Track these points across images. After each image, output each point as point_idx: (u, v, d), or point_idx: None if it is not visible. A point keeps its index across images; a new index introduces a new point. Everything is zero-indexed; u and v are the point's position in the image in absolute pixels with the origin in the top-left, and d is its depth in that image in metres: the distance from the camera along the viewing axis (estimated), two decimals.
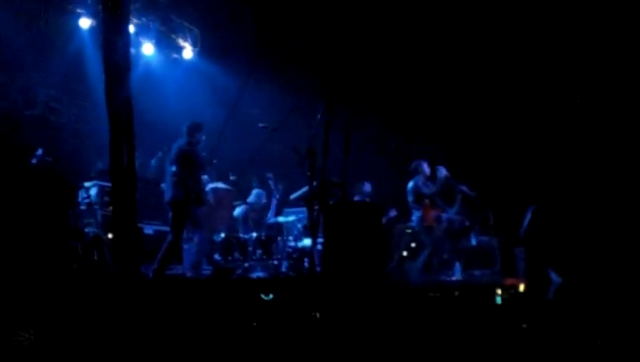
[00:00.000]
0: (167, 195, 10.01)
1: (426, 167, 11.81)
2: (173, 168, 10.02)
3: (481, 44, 13.49)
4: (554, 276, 9.90)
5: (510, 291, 9.08)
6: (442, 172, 11.68)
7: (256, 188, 12.69)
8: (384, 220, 12.24)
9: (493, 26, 13.17)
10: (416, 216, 11.81)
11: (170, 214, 10.09)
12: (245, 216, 12.67)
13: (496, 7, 12.81)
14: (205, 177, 10.59)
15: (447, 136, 13.90)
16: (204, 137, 10.38)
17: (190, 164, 10.02)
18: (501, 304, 8.50)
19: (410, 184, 11.81)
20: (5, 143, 10.87)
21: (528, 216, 12.10)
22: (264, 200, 12.69)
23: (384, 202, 12.56)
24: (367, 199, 12.22)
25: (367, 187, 12.45)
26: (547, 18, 12.72)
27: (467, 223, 12.38)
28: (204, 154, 10.43)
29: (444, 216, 11.83)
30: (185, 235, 11.23)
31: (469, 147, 13.84)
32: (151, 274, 9.53)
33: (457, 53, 13.73)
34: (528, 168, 13.23)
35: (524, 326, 7.06)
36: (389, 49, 13.84)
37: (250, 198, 12.68)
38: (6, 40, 11.20)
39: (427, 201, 11.65)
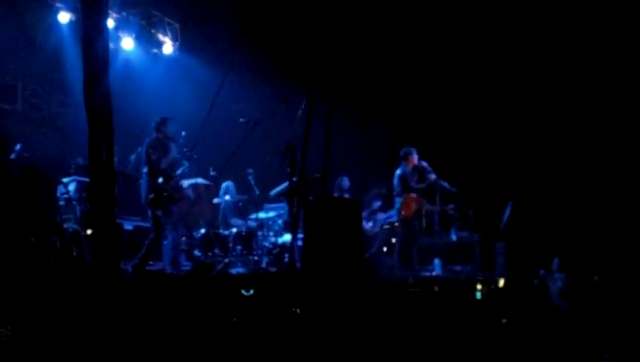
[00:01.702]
0: (142, 196, 10.02)
1: (415, 155, 11.83)
2: (144, 169, 10.04)
3: (460, 38, 13.53)
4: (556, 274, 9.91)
5: (490, 286, 9.12)
6: (432, 176, 11.70)
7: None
8: (367, 212, 12.27)
9: (474, 17, 13.21)
10: (396, 205, 11.85)
11: (149, 212, 10.09)
12: (225, 211, 12.64)
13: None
14: (179, 171, 10.52)
15: (427, 131, 13.93)
16: (184, 133, 10.36)
17: (159, 162, 10.01)
18: (481, 299, 8.54)
19: (398, 171, 11.83)
20: None
21: (508, 211, 12.14)
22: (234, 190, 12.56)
23: (366, 195, 12.59)
24: (346, 195, 12.23)
25: (346, 182, 12.44)
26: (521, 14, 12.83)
27: (451, 213, 12.41)
28: (185, 149, 10.40)
29: (425, 208, 11.87)
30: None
31: (449, 142, 13.88)
32: (130, 269, 9.53)
33: (438, 49, 13.77)
34: (508, 163, 13.30)
35: (504, 321, 7.11)
36: (370, 43, 13.86)
37: (221, 193, 12.60)
38: None
39: (412, 194, 11.69)
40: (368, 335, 6.35)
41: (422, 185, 11.76)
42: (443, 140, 13.78)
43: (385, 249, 12.48)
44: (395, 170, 11.93)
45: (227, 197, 12.38)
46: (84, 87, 5.29)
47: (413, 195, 11.67)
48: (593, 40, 12.51)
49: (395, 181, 11.83)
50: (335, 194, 12.05)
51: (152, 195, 9.84)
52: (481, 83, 13.73)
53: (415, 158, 11.83)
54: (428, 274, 11.50)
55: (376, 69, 14.24)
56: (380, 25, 13.54)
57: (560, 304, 9.58)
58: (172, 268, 10.24)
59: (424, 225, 11.94)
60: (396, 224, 12.01)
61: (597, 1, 12.29)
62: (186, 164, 10.54)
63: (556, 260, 10.12)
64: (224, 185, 12.49)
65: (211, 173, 11.31)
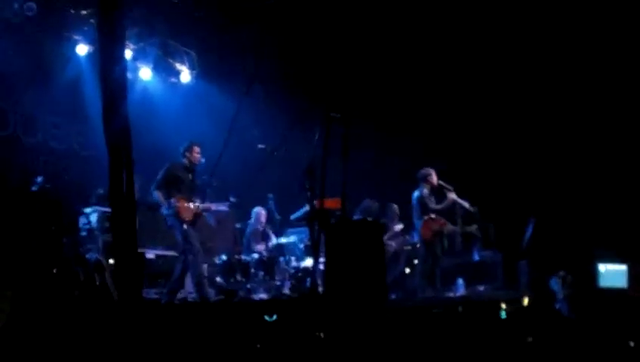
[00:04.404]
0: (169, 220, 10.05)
1: (434, 177, 11.77)
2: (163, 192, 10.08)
3: (479, 58, 13.53)
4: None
5: (514, 305, 9.06)
6: (452, 195, 11.64)
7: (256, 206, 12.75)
8: (388, 235, 12.23)
9: (492, 39, 13.21)
10: (417, 227, 11.79)
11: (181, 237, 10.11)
12: (248, 237, 12.70)
13: (496, 19, 12.87)
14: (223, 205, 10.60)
15: (447, 148, 13.92)
16: (203, 160, 10.37)
17: (172, 187, 10.04)
18: (506, 318, 8.49)
19: (416, 193, 11.76)
20: (5, 170, 10.90)
21: (530, 229, 12.09)
22: (263, 220, 12.70)
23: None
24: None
25: (375, 206, 12.41)
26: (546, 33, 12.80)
27: (473, 233, 12.38)
28: (204, 176, 10.41)
29: (445, 229, 11.81)
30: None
31: (469, 160, 13.86)
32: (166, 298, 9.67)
33: (456, 68, 13.77)
34: (528, 181, 13.25)
35: (530, 339, 7.06)
36: (387, 66, 13.88)
37: (251, 220, 12.72)
38: (5, 67, 11.24)
39: (431, 215, 11.62)
40: (393, 358, 6.32)
41: (441, 206, 11.69)
42: (463, 159, 13.76)
43: (407, 270, 12.46)
44: (413, 192, 11.89)
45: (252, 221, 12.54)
46: (103, 118, 5.31)
47: (433, 216, 11.61)
48: (619, 57, 12.48)
49: (414, 203, 11.78)
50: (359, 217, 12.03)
51: (171, 214, 9.87)
52: (501, 101, 13.71)
53: (434, 179, 11.77)
54: (451, 294, 11.45)
55: (392, 88, 14.26)
56: (395, 46, 13.56)
57: (563, 308, 9.53)
58: (197, 294, 10.16)
59: (446, 245, 11.89)
60: (418, 245, 11.96)
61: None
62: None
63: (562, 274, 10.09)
64: (254, 211, 12.60)
65: (232, 200, 11.31)
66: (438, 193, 11.87)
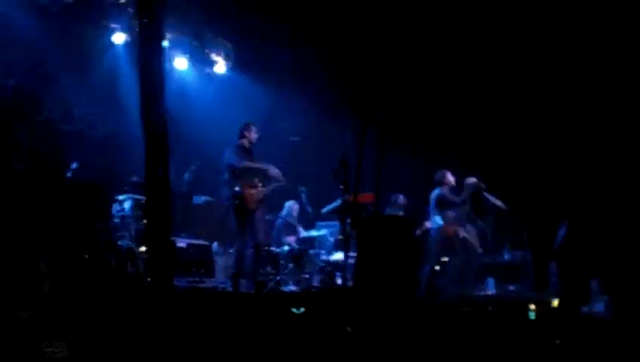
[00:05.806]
0: (228, 204, 10.10)
1: (450, 177, 11.75)
2: (225, 176, 10.09)
3: (513, 58, 13.45)
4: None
5: (543, 306, 9.01)
6: (470, 180, 11.59)
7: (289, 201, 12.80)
8: (420, 231, 12.21)
9: (520, 39, 13.13)
10: (435, 226, 11.74)
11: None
12: (279, 229, 12.74)
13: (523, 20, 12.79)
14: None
15: (480, 149, 13.85)
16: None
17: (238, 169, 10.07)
18: (534, 319, 8.44)
19: (436, 192, 11.75)
20: (41, 157, 11.00)
21: (562, 231, 12.01)
22: (295, 214, 12.75)
23: (420, 213, 12.52)
24: (401, 212, 12.19)
25: (401, 199, 12.40)
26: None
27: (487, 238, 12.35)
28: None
29: (461, 231, 11.73)
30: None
31: (503, 160, 13.78)
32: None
33: (493, 67, 13.70)
34: (562, 182, 13.14)
35: (558, 341, 7.02)
36: (422, 61, 13.83)
37: (283, 212, 12.76)
38: (42, 55, 11.33)
39: (451, 214, 11.59)
40: (420, 354, 6.32)
41: (461, 198, 11.65)
42: (497, 157, 13.69)
43: (437, 267, 12.41)
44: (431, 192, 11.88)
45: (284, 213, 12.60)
46: (141, 109, 5.38)
47: (453, 214, 11.58)
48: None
49: (433, 202, 11.75)
50: (390, 211, 12.01)
51: (235, 203, 9.87)
52: (538, 102, 13.62)
53: (451, 179, 11.76)
54: (482, 293, 11.41)
55: (430, 86, 14.21)
56: (436, 44, 13.51)
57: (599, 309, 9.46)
58: (250, 282, 10.13)
59: (478, 244, 11.85)
60: (445, 243, 11.90)
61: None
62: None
63: (596, 282, 9.99)
64: (287, 204, 12.65)
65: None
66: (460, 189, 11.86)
